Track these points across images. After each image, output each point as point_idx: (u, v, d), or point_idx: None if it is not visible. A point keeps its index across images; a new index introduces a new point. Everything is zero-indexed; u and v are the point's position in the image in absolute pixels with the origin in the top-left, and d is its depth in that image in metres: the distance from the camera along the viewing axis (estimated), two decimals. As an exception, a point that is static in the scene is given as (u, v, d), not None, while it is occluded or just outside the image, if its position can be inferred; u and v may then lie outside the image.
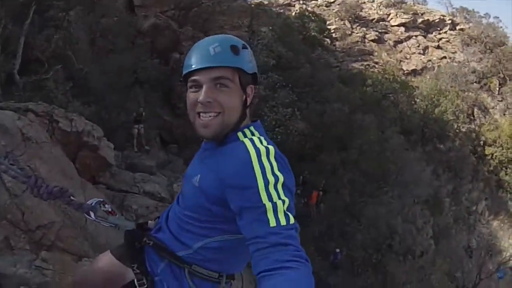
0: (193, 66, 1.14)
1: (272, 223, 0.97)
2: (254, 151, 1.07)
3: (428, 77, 21.73)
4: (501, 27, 29.18)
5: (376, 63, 20.27)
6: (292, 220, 0.98)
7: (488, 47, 27.18)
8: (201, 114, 1.14)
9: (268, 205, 0.98)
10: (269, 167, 1.03)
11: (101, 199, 1.51)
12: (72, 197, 1.49)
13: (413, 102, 19.03)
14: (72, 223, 4.63)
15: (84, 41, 11.17)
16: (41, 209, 4.00)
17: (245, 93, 1.17)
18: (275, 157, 1.06)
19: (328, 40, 19.35)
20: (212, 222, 1.17)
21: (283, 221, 0.97)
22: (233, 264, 1.29)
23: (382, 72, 17.99)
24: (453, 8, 31.16)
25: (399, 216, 17.15)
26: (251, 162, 1.04)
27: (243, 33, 15.20)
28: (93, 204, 1.46)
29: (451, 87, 21.80)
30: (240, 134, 1.17)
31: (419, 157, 18.87)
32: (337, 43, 21.04)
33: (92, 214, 1.46)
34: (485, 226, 23.45)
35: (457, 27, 28.32)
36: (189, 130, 13.18)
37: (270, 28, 14.92)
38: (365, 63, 20.19)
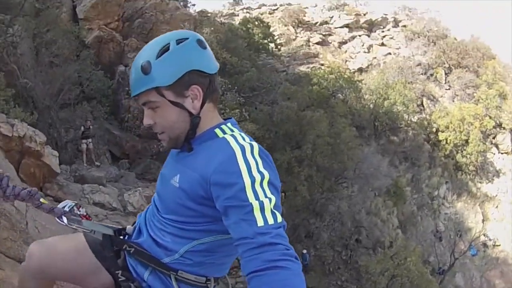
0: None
1: (260, 222, 0.94)
2: (238, 147, 1.03)
3: (374, 73, 22.12)
4: (442, 20, 30.19)
5: (322, 64, 20.48)
6: (279, 218, 0.96)
7: (431, 40, 27.85)
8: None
9: (255, 204, 0.95)
10: (255, 164, 1.00)
11: (75, 202, 1.43)
12: (41, 200, 1.37)
13: (361, 98, 19.19)
14: (11, 225, 4.19)
15: (28, 54, 10.64)
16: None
17: (179, 104, 1.10)
18: (259, 154, 1.03)
19: (273, 45, 19.33)
20: (198, 223, 1.11)
21: (270, 220, 0.94)
22: (221, 266, 1.23)
23: (327, 71, 18.05)
24: (395, 6, 32.22)
25: (362, 210, 17.11)
26: (236, 159, 1.01)
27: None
28: (65, 208, 1.38)
29: (398, 80, 22.24)
30: (218, 131, 1.12)
31: (374, 151, 19.06)
32: (282, 48, 21.14)
33: (64, 218, 1.34)
34: (450, 208, 23.86)
35: (400, 24, 29.18)
36: (138, 143, 12.61)
37: (215, 34, 14.63)
38: (311, 65, 20.34)
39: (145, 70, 1.08)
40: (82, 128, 10.88)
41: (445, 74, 26.87)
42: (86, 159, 10.91)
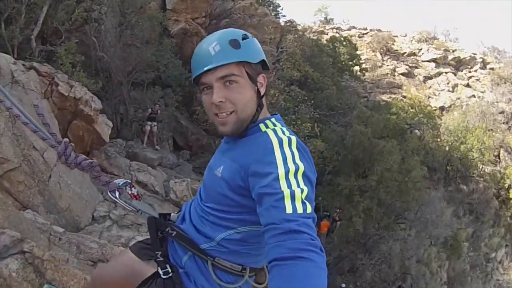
0: (199, 70, 1.11)
1: (289, 210, 0.91)
2: (276, 140, 1.04)
3: (455, 114, 20.16)
4: None
5: (405, 97, 18.92)
6: (309, 209, 0.93)
7: None
8: (217, 113, 1.11)
9: (286, 192, 0.93)
10: (291, 155, 1.00)
11: (129, 181, 1.42)
12: (101, 173, 1.39)
13: (438, 137, 17.45)
14: (31, 172, 4.00)
15: (111, 32, 10.67)
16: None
17: (256, 84, 1.12)
18: (297, 147, 1.03)
19: (357, 68, 18.23)
20: (235, 212, 1.12)
21: (300, 209, 0.92)
22: (257, 256, 1.21)
23: (408, 103, 16.61)
24: (485, 47, 29.62)
25: (414, 256, 15.53)
26: (273, 150, 1.01)
27: (271, 48, 14.48)
28: (120, 184, 1.38)
29: (478, 125, 20.13)
30: (262, 126, 1.13)
31: (440, 197, 17.29)
32: (367, 73, 19.85)
33: (117, 193, 1.36)
34: (504, 275, 21.34)
35: (488, 66, 26.75)
36: (204, 137, 12.26)
37: (299, 45, 14.01)
38: (393, 95, 18.87)
39: (235, 45, 1.08)
40: (150, 110, 10.65)
41: None
42: (148, 141, 10.66)
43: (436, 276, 16.90)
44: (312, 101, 12.48)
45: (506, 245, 22.06)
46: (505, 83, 26.04)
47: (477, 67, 26.84)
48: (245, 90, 1.09)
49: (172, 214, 1.35)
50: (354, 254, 13.24)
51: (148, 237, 1.30)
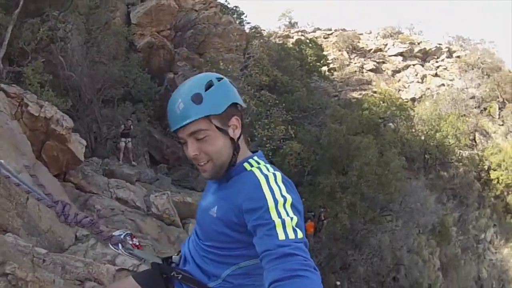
0: (172, 127, 1.18)
1: (281, 236, 0.97)
2: (263, 177, 1.11)
3: (427, 104, 20.67)
4: (496, 51, 28.63)
5: (375, 92, 19.33)
6: (300, 235, 0.99)
7: (485, 73, 26.49)
8: (197, 163, 1.19)
9: (277, 221, 1.00)
10: (278, 189, 1.07)
11: (128, 232, 1.46)
12: (101, 229, 1.42)
13: (413, 127, 17.80)
14: (8, 195, 3.90)
15: (78, 50, 10.65)
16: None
17: (227, 132, 1.16)
18: (282, 181, 1.10)
19: (325, 68, 18.56)
20: (235, 248, 1.17)
21: (291, 235, 0.98)
22: (261, 287, 1.14)
23: (379, 98, 16.93)
24: (449, 36, 30.72)
25: (404, 246, 15.58)
26: (261, 186, 1.08)
27: (238, 55, 14.59)
28: (122, 237, 1.43)
29: (451, 112, 20.66)
30: (246, 165, 1.19)
31: (422, 185, 17.52)
32: (335, 73, 20.25)
33: (120, 246, 1.41)
34: (496, 254, 21.65)
35: (454, 55, 27.64)
36: (179, 150, 12.10)
37: (266, 50, 14.17)
38: (364, 92, 19.26)
39: (197, 100, 1.13)
40: (123, 126, 10.61)
41: (499, 108, 25.25)
42: (124, 157, 10.59)
43: (429, 263, 17.00)
44: (284, 104, 12.60)
45: (494, 225, 22.42)
46: (472, 69, 26.84)
47: (443, 56, 27.68)
48: (216, 141, 1.15)
49: (173, 256, 1.41)
50: (344, 251, 13.21)
51: (156, 261, 1.38)
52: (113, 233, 1.45)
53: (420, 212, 15.74)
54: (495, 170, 21.22)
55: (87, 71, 10.59)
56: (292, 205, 1.04)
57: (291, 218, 1.00)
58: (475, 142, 23.82)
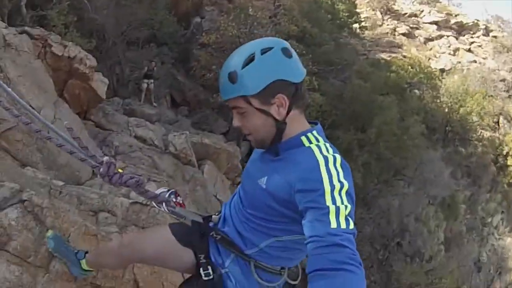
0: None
1: (333, 224, 0.96)
2: (322, 158, 1.08)
3: (456, 77, 19.98)
4: None
5: (405, 56, 18.67)
6: (351, 226, 0.98)
7: None
8: None
9: (332, 208, 0.98)
10: (336, 174, 1.04)
11: (173, 190, 1.46)
12: (146, 188, 1.38)
13: (438, 98, 17.32)
14: (29, 130, 3.94)
15: None
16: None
17: (266, 111, 1.12)
18: (341, 165, 1.07)
19: (357, 26, 17.87)
20: (281, 222, 1.17)
21: (343, 225, 0.97)
22: (296, 260, 1.31)
23: (408, 62, 16.36)
24: (488, 14, 29.19)
25: (412, 214, 15.68)
26: (319, 168, 1.05)
27: (268, 3, 14.13)
28: (166, 196, 1.43)
29: (479, 89, 19.98)
30: (304, 140, 1.15)
31: (439, 157, 17.32)
32: (366, 32, 19.53)
33: (164, 205, 1.42)
34: (499, 240, 21.65)
35: (491, 34, 26.32)
36: (201, 93, 12.13)
37: (298, 1, 13.64)
38: (393, 54, 18.62)
39: (232, 79, 1.10)
40: (146, 68, 10.67)
41: None
42: (145, 98, 10.70)
43: (433, 235, 17.13)
44: (310, 56, 12.22)
45: (502, 212, 22.27)
46: (507, 52, 25.82)
47: (479, 33, 26.44)
48: (253, 119, 1.13)
49: (213, 216, 1.41)
50: (353, 208, 13.36)
51: (196, 219, 1.38)
52: (158, 192, 1.44)
53: (433, 183, 15.69)
54: (513, 157, 20.86)
55: (112, 13, 10.46)
56: (347, 193, 1.02)
57: (346, 207, 0.99)
58: (498, 125, 23.18)
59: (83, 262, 1.80)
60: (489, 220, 21.20)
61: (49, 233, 1.96)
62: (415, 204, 15.31)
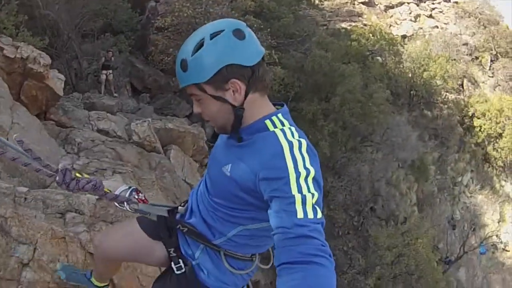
0: None
1: (300, 214, 0.93)
2: (286, 143, 1.03)
3: (418, 43, 20.38)
4: (497, 5, 28.04)
5: (365, 25, 18.85)
6: (319, 215, 0.96)
7: (482, 23, 26.09)
8: None
9: (298, 197, 0.95)
10: (301, 160, 1.00)
11: (134, 187, 1.46)
12: (105, 190, 1.37)
13: (401, 64, 17.66)
14: None
15: None
16: None
17: (221, 97, 1.08)
18: (306, 151, 1.03)
19: (315, -4, 17.86)
20: (248, 211, 1.15)
21: (310, 214, 0.94)
22: (264, 246, 1.30)
23: (369, 30, 16.52)
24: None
25: (383, 178, 16.16)
26: (284, 154, 1.01)
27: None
28: (126, 195, 1.42)
29: (442, 53, 20.46)
30: (268, 123, 1.11)
31: (405, 121, 17.80)
32: (325, 2, 19.58)
33: (126, 204, 1.40)
34: (471, 198, 22.63)
35: (452, 0, 26.82)
36: (162, 78, 12.00)
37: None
38: (354, 23, 18.75)
39: (184, 67, 1.08)
40: (103, 58, 10.47)
41: (491, 60, 24.93)
42: (105, 90, 10.54)
43: (405, 197, 17.76)
44: (269, 30, 12.15)
45: (472, 171, 23.07)
46: (469, 17, 26.36)
47: (440, -1, 26.85)
48: (210, 105, 1.10)
49: (179, 207, 1.38)
50: (323, 178, 13.61)
51: (162, 214, 1.37)
52: (118, 192, 1.43)
53: (401, 146, 16.18)
54: (478, 118, 21.39)
55: (64, 6, 10.19)
56: (314, 179, 0.98)
57: (312, 195, 0.95)
58: (463, 88, 23.88)
59: (93, 280, 1.80)
60: (459, 179, 22.02)
61: (58, 265, 1.98)
62: (385, 169, 15.79)
